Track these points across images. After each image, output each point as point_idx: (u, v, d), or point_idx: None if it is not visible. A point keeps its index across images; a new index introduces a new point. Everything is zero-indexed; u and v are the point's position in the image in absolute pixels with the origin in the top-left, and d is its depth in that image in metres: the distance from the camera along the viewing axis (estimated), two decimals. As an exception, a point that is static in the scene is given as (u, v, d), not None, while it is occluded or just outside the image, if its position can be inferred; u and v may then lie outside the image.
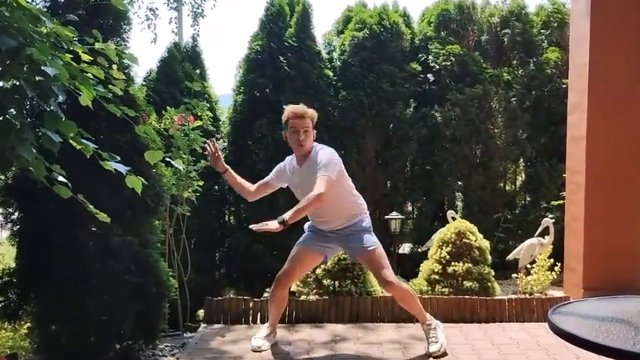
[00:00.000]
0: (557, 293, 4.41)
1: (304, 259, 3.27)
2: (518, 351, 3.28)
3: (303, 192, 2.95)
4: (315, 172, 2.92)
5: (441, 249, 4.35)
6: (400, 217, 5.80)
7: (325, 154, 3.00)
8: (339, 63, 6.51)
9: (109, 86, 2.14)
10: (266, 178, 3.30)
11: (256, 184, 3.31)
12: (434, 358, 3.08)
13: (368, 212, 3.26)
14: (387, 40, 6.41)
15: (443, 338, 3.19)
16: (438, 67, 6.46)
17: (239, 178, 3.29)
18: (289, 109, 3.08)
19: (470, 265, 4.23)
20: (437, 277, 4.28)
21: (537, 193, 6.47)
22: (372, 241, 3.12)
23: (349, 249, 3.21)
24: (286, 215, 2.74)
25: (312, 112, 3.09)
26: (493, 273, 4.36)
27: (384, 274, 3.03)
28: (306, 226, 3.35)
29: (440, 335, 3.20)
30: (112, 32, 3.29)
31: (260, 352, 3.20)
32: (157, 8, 10.26)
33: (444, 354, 3.11)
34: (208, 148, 3.18)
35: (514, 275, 4.66)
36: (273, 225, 2.71)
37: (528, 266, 4.64)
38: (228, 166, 3.27)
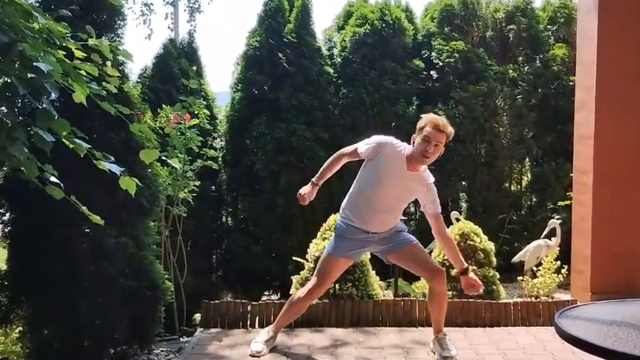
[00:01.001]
0: (564, 296, 4.41)
1: (338, 269, 3.26)
2: (524, 356, 3.28)
3: (386, 191, 3.05)
4: (412, 187, 3.10)
5: (445, 251, 4.35)
6: (403, 218, 5.79)
7: (434, 187, 3.15)
8: (339, 59, 6.51)
9: (103, 83, 2.14)
10: (359, 151, 3.11)
11: (339, 160, 3.21)
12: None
13: None
14: (389, 36, 6.41)
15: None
16: (441, 63, 6.45)
17: (328, 175, 3.25)
18: (431, 119, 3.01)
19: (474, 267, 4.22)
20: (440, 279, 4.28)
21: (544, 193, 6.47)
22: (412, 236, 3.26)
23: (391, 244, 3.20)
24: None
25: (451, 131, 3.02)
26: (498, 276, 4.35)
27: (434, 262, 3.24)
28: (339, 228, 3.22)
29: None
30: (106, 28, 3.29)
31: (259, 357, 3.20)
32: (152, 3, 10.26)
33: None
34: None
35: (520, 278, 4.66)
36: None
37: (534, 269, 4.63)
38: (314, 182, 3.21)
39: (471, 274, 3.17)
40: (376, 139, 3.09)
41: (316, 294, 3.26)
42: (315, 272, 3.27)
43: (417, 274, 3.43)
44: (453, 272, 3.42)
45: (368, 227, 3.13)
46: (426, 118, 3.02)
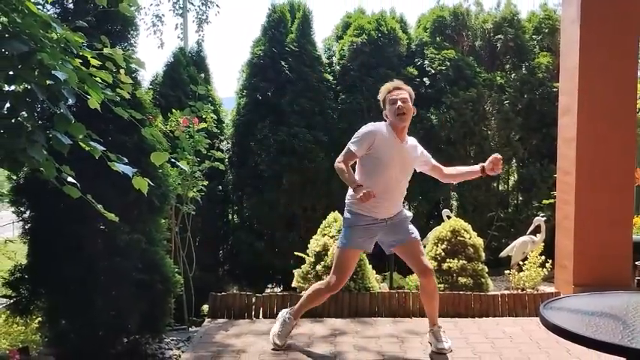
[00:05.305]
0: (549, 289, 4.41)
1: (354, 261, 3.15)
2: (511, 345, 3.29)
3: (392, 171, 2.98)
4: (413, 155, 3.15)
5: (437, 246, 4.35)
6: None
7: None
8: (338, 67, 6.51)
9: (117, 90, 2.14)
10: (355, 152, 2.94)
11: (348, 164, 2.97)
12: (447, 353, 3.08)
13: None
14: (385, 46, 6.40)
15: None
16: (433, 71, 6.45)
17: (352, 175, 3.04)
18: (384, 88, 3.07)
19: (464, 262, 4.23)
20: (432, 273, 4.28)
21: (529, 192, 6.46)
22: (415, 230, 3.17)
23: (396, 238, 3.09)
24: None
25: (408, 88, 3.09)
26: (487, 269, 4.36)
27: (426, 261, 3.11)
28: (348, 219, 3.08)
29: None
30: (119, 38, 3.29)
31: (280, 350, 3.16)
32: (163, 15, 10.25)
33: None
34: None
35: (507, 272, 4.66)
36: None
37: (520, 263, 4.64)
38: (358, 183, 2.93)
39: (488, 162, 3.12)
40: (362, 134, 2.98)
41: (336, 288, 3.11)
42: (333, 268, 3.12)
43: (410, 267, 3.31)
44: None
45: (377, 213, 3.02)
46: (381, 90, 3.09)
